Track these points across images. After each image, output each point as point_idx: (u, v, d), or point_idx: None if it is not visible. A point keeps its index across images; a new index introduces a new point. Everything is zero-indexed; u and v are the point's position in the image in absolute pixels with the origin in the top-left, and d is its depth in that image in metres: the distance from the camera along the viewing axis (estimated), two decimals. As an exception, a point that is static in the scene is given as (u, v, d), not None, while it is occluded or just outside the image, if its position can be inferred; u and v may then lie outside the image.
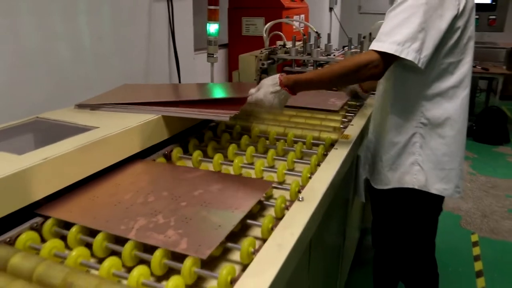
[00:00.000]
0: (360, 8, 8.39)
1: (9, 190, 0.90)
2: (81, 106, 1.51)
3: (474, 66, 4.95)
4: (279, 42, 2.97)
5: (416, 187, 1.45)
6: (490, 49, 6.22)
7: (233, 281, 0.77)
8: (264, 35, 2.81)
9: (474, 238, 2.88)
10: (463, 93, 1.40)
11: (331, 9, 7.44)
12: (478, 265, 2.58)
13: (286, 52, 2.77)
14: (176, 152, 1.40)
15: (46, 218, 0.98)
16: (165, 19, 3.05)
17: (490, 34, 7.02)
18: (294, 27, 3.82)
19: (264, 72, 2.60)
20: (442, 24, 1.26)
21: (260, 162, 1.30)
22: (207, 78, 3.16)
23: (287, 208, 1.04)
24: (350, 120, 1.79)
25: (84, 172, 1.10)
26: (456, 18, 1.28)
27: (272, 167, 1.36)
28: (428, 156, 1.43)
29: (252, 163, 1.34)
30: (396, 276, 1.88)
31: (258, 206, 1.09)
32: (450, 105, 1.39)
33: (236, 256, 0.90)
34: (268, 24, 2.82)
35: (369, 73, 1.28)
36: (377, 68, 1.27)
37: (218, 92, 1.87)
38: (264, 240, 0.90)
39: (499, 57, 6.07)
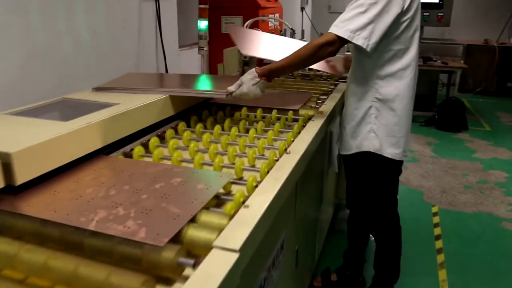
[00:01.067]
0: (330, 8, 8.78)
1: (61, 148, 1.16)
2: (98, 89, 1.78)
3: (434, 61, 5.42)
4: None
5: (372, 150, 1.77)
6: (449, 45, 6.73)
7: (244, 201, 1.06)
8: (245, 31, 3.09)
9: (435, 209, 3.25)
10: (410, 75, 1.73)
11: (302, 8, 7.79)
12: (437, 231, 2.94)
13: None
14: (181, 125, 1.69)
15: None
16: (153, 17, 3.31)
17: (451, 32, 7.55)
18: (270, 24, 4.14)
19: (245, 65, 2.91)
20: (388, 18, 1.59)
21: (251, 132, 1.60)
22: (191, 71, 3.44)
23: (277, 160, 1.34)
24: (323, 101, 2.11)
25: (116, 136, 1.38)
26: (401, 14, 1.61)
27: (259, 139, 1.65)
28: (381, 126, 1.76)
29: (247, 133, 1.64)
30: (367, 231, 2.22)
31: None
32: (399, 84, 1.72)
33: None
34: (248, 22, 3.12)
35: (327, 52, 1.61)
36: (333, 46, 1.60)
37: (208, 83, 2.15)
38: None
39: (457, 53, 6.58)
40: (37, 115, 1.38)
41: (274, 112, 1.89)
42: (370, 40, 1.57)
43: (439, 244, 2.78)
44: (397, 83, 1.71)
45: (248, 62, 2.93)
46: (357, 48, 1.67)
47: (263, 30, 3.45)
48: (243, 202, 1.04)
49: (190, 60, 4.03)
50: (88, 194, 1.05)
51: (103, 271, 0.82)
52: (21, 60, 2.21)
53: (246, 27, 3.08)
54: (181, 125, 1.69)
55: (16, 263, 0.87)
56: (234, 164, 1.28)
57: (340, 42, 1.59)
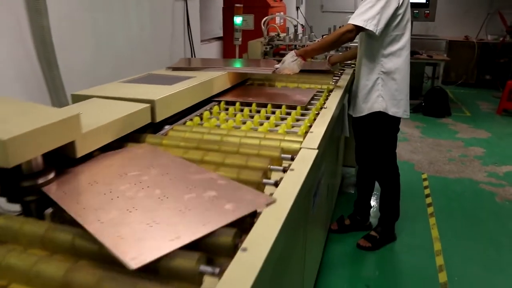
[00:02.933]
0: (322, 7, 9.39)
1: (181, 98, 1.70)
2: (170, 68, 2.31)
3: (420, 54, 6.04)
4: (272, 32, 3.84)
5: (381, 110, 2.35)
6: (433, 40, 7.39)
7: (306, 132, 1.61)
8: (263, 27, 3.65)
9: (424, 176, 3.85)
10: (406, 53, 2.32)
11: (297, 8, 8.36)
12: (427, 191, 3.54)
13: (279, 40, 3.63)
14: (215, 108, 2.23)
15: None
16: (181, 15, 3.85)
17: (434, 29, 8.22)
18: (277, 21, 4.70)
19: (265, 54, 3.46)
20: (389, 10, 2.17)
21: (278, 112, 2.15)
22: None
23: (317, 113, 1.89)
24: (337, 81, 2.67)
25: (200, 98, 1.92)
26: (397, 8, 2.19)
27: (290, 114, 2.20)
28: (386, 91, 2.33)
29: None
30: (372, 182, 2.79)
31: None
32: (398, 60, 2.31)
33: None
34: (265, 18, 3.67)
35: (347, 37, 2.20)
36: (351, 33, 2.18)
37: (248, 64, 2.69)
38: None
39: (440, 48, 7.24)
40: (145, 82, 1.91)
41: (304, 86, 2.45)
42: (378, 26, 2.14)
43: (428, 200, 3.37)
44: (397, 59, 2.29)
45: (268, 53, 3.48)
46: (368, 34, 2.24)
47: (271, 27, 4.00)
48: (306, 133, 1.59)
49: (209, 52, 4.57)
50: (119, 191, 1.02)
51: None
52: (92, 48, 2.74)
53: (264, 22, 3.63)
54: (215, 108, 2.17)
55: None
56: (278, 126, 1.79)
57: (356, 29, 2.16)
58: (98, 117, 1.32)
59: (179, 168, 1.16)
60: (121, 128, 1.37)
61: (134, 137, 1.45)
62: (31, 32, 2.24)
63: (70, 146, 1.13)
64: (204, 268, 0.76)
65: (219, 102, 2.07)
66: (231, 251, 0.83)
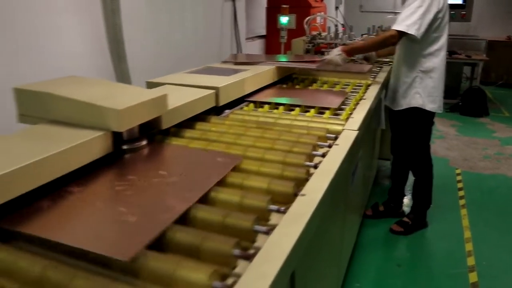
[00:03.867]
0: (361, 7, 9.51)
1: (235, 90, 1.96)
2: (224, 62, 2.58)
3: (459, 54, 6.11)
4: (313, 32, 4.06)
5: (417, 106, 2.54)
6: (473, 40, 7.40)
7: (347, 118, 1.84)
8: (305, 26, 3.88)
9: (458, 171, 3.99)
10: (443, 53, 2.50)
11: (336, 7, 8.53)
12: (460, 185, 3.68)
13: (321, 39, 3.85)
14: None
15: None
16: (229, 14, 4.14)
17: (475, 29, 8.21)
18: (318, 20, 4.92)
19: (307, 52, 3.70)
20: (430, 16, 2.36)
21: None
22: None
23: (357, 103, 2.12)
24: (375, 77, 2.88)
25: (258, 85, 2.18)
26: (438, 12, 2.38)
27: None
28: (423, 89, 2.53)
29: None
30: (406, 171, 2.98)
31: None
32: (436, 60, 2.50)
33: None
34: (308, 18, 3.90)
35: (390, 42, 2.39)
36: (395, 39, 2.38)
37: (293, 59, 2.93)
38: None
39: (479, 48, 7.24)
40: (206, 73, 2.19)
41: (343, 81, 2.68)
42: (419, 30, 2.34)
43: (461, 193, 3.52)
44: (435, 59, 2.49)
45: (309, 50, 3.72)
46: (409, 37, 2.43)
47: (313, 26, 4.23)
48: (347, 119, 1.82)
49: (253, 49, 4.85)
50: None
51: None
52: (153, 44, 3.05)
53: (307, 22, 3.86)
54: (251, 106, 2.44)
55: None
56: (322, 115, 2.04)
57: (399, 35, 2.36)
58: (174, 99, 1.60)
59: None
60: (193, 109, 1.65)
61: (201, 117, 1.72)
62: (105, 30, 2.56)
63: (158, 120, 1.42)
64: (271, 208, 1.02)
65: (253, 102, 2.13)
66: (291, 198, 1.08)
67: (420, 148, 2.73)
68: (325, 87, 2.51)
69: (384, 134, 3.53)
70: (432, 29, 2.42)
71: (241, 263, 0.83)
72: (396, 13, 2.70)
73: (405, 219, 2.90)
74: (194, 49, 3.54)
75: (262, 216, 0.99)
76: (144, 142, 1.36)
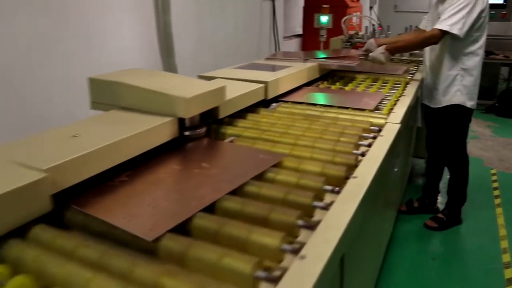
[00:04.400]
0: (395, 7, 9.47)
1: (282, 85, 2.07)
2: (267, 59, 2.70)
3: (496, 54, 6.05)
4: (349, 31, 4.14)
5: (459, 103, 2.60)
6: (511, 41, 7.27)
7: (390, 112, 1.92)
8: (343, 25, 3.96)
9: (493, 171, 3.99)
10: (482, 52, 2.56)
11: (371, 7, 8.53)
12: (495, 184, 3.69)
13: (358, 37, 3.92)
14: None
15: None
16: (268, 13, 4.25)
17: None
18: (354, 20, 4.97)
19: (345, 49, 3.77)
20: (473, 15, 2.40)
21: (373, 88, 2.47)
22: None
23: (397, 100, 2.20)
24: (413, 75, 2.94)
25: (302, 81, 2.29)
26: (481, 12, 2.42)
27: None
28: (464, 86, 2.58)
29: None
30: (441, 168, 3.03)
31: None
32: (477, 58, 2.54)
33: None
34: (345, 17, 3.98)
35: (432, 41, 2.46)
36: (436, 38, 2.44)
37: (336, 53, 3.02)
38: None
39: (519, 48, 7.12)
40: (252, 68, 2.31)
41: (380, 79, 2.75)
42: (462, 30, 2.39)
43: (496, 192, 3.54)
44: (475, 58, 2.54)
45: (346, 48, 3.79)
46: (452, 36, 2.48)
47: (350, 25, 4.30)
48: (389, 113, 1.91)
49: (290, 48, 4.95)
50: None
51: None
52: (196, 41, 3.20)
53: (344, 21, 3.94)
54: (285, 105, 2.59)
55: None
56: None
57: (442, 34, 2.43)
58: (229, 92, 1.71)
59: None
60: (245, 101, 1.77)
61: (251, 109, 1.84)
62: (156, 26, 2.72)
63: (215, 110, 1.54)
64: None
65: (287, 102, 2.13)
66: (343, 181, 1.19)
67: (457, 145, 2.77)
68: (365, 84, 2.59)
69: (419, 132, 3.57)
70: (474, 28, 2.47)
71: (304, 233, 0.94)
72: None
73: (440, 215, 2.95)
74: (234, 47, 3.67)
75: (318, 196, 1.10)
76: (203, 130, 1.48)
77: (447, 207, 2.97)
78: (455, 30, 2.39)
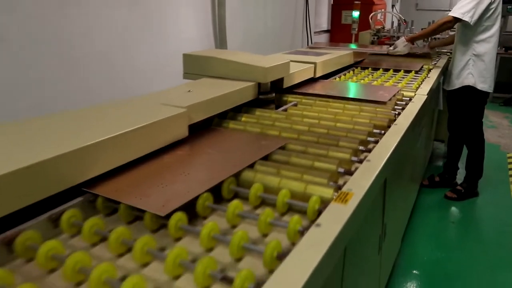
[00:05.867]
0: (417, 5, 9.78)
1: (327, 67, 2.48)
2: (310, 47, 3.11)
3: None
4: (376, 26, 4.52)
5: (470, 84, 2.97)
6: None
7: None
8: (370, 21, 4.35)
9: (509, 155, 4.33)
10: (494, 40, 2.93)
11: (393, 6, 8.86)
12: (511, 166, 4.04)
13: (384, 32, 4.31)
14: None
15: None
16: (302, 9, 4.65)
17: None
18: (378, 17, 5.35)
19: (372, 43, 4.16)
20: (483, 6, 2.78)
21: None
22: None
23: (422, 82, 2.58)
24: (436, 63, 3.32)
25: (339, 66, 2.70)
26: (490, 4, 2.80)
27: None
28: (476, 70, 2.96)
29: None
30: (461, 146, 3.39)
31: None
32: (488, 45, 2.92)
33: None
34: (373, 13, 4.36)
35: (447, 26, 2.87)
36: (451, 23, 2.85)
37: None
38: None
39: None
40: (299, 54, 2.72)
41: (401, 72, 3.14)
42: (472, 18, 2.78)
43: (511, 172, 3.89)
44: (486, 45, 2.91)
45: (374, 42, 4.18)
46: (464, 24, 2.86)
47: (377, 21, 4.67)
48: (417, 88, 2.30)
49: (319, 41, 5.34)
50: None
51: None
52: (242, 32, 3.62)
53: (372, 17, 4.32)
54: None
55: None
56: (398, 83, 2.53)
57: (454, 20, 2.81)
58: (286, 68, 2.13)
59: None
60: (300, 77, 2.18)
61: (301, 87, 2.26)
62: (212, 19, 3.15)
63: (281, 80, 1.96)
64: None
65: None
66: (386, 128, 1.59)
67: (473, 124, 3.14)
68: (391, 72, 2.98)
69: (440, 117, 3.94)
70: (484, 18, 2.84)
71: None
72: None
73: (458, 187, 3.32)
74: (272, 39, 4.09)
75: (375, 129, 1.51)
76: (273, 95, 1.90)
77: (465, 180, 3.34)
78: (466, 18, 2.77)
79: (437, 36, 3.86)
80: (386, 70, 2.94)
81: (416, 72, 2.86)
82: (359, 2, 4.20)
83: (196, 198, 0.98)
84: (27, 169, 0.84)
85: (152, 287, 0.75)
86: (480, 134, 3.19)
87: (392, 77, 2.69)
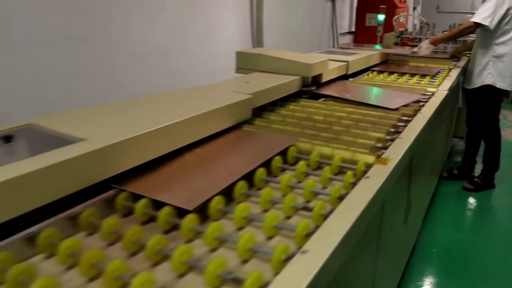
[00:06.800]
0: (438, 8, 9.98)
1: (357, 65, 2.77)
2: (340, 47, 3.40)
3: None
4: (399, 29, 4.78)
5: (489, 83, 3.23)
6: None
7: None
8: (394, 23, 4.61)
9: (525, 152, 4.56)
10: (513, 43, 3.19)
11: (414, 8, 9.08)
12: (527, 161, 4.27)
13: (407, 34, 4.57)
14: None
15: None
16: (329, 12, 4.95)
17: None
18: (401, 20, 5.61)
19: (396, 44, 4.43)
20: (501, 11, 3.04)
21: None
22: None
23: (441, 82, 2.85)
24: (455, 65, 3.58)
25: (369, 64, 2.99)
26: (508, 9, 3.05)
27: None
28: (495, 70, 3.21)
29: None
30: (478, 141, 3.65)
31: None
32: (507, 47, 3.18)
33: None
34: (396, 16, 4.63)
35: (468, 31, 3.13)
36: (472, 28, 3.11)
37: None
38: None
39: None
40: (330, 53, 3.01)
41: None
42: (492, 22, 3.04)
43: (527, 167, 4.12)
44: (506, 47, 3.17)
45: (397, 43, 4.45)
46: (484, 28, 3.12)
47: (400, 23, 4.93)
48: (439, 85, 2.58)
49: (344, 42, 5.63)
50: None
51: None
52: (276, 33, 3.92)
53: (395, 20, 4.59)
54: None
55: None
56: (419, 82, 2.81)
57: (475, 25, 3.08)
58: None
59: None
60: (334, 73, 2.48)
61: (335, 82, 2.55)
62: (250, 20, 3.47)
63: (319, 76, 2.26)
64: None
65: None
66: (413, 116, 1.88)
67: (491, 120, 3.40)
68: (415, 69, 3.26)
69: (459, 115, 4.19)
70: (503, 22, 3.10)
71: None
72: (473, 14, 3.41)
73: (476, 179, 3.58)
74: (301, 39, 4.39)
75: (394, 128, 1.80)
76: (313, 88, 2.20)
77: (483, 173, 3.59)
78: (486, 22, 3.03)
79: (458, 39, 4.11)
80: (403, 74, 3.23)
81: (432, 76, 3.05)
82: (385, 6, 4.48)
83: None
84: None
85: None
86: (496, 129, 3.44)
87: (413, 76, 2.97)
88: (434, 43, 3.23)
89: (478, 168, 3.77)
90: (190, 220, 0.90)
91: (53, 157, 0.91)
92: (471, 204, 3.40)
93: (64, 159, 0.91)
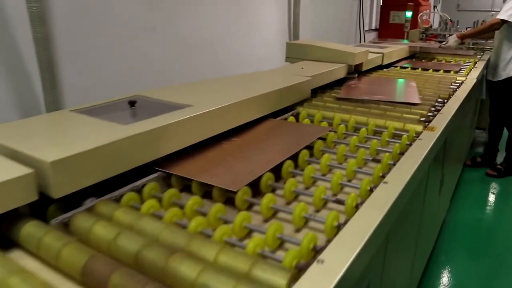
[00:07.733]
0: (458, 6, 10.13)
1: (390, 57, 3.03)
2: (370, 42, 3.65)
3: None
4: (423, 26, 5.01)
5: (515, 76, 3.47)
6: None
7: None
8: (419, 20, 4.84)
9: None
10: (539, 37, 3.40)
11: (435, 6, 9.24)
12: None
13: (431, 30, 4.80)
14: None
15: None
16: (356, 10, 5.19)
17: None
18: (424, 17, 5.82)
19: (421, 39, 4.66)
20: None
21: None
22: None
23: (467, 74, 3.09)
24: (481, 58, 3.80)
25: (401, 56, 3.24)
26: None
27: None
28: (522, 63, 3.44)
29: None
30: (500, 128, 3.86)
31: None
32: (531, 42, 3.40)
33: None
34: (421, 13, 4.86)
35: (495, 27, 3.35)
36: (498, 25, 3.33)
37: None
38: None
39: None
40: (367, 47, 3.26)
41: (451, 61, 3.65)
42: None
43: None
44: (529, 41, 3.40)
45: (422, 39, 4.68)
46: (509, 25, 3.34)
47: (425, 20, 5.15)
48: (467, 75, 2.81)
49: (369, 38, 5.87)
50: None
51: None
52: (310, 29, 4.18)
53: (420, 17, 4.82)
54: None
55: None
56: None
57: (502, 22, 3.31)
58: (362, 56, 2.69)
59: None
60: (372, 63, 2.74)
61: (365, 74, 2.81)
62: (287, 16, 3.74)
63: (361, 65, 2.52)
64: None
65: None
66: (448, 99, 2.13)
67: (513, 110, 3.63)
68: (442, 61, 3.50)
69: (481, 106, 4.40)
70: None
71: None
72: (495, 12, 3.62)
73: (499, 166, 3.80)
74: (333, 34, 4.65)
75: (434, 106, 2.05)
76: (356, 75, 2.47)
77: (505, 160, 3.81)
78: (511, 19, 3.26)
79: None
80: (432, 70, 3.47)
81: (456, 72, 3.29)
82: (412, 4, 4.71)
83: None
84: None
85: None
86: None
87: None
88: (461, 37, 3.46)
89: (499, 157, 3.99)
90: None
91: (172, 116, 1.17)
92: (494, 188, 3.62)
93: (183, 118, 1.17)
